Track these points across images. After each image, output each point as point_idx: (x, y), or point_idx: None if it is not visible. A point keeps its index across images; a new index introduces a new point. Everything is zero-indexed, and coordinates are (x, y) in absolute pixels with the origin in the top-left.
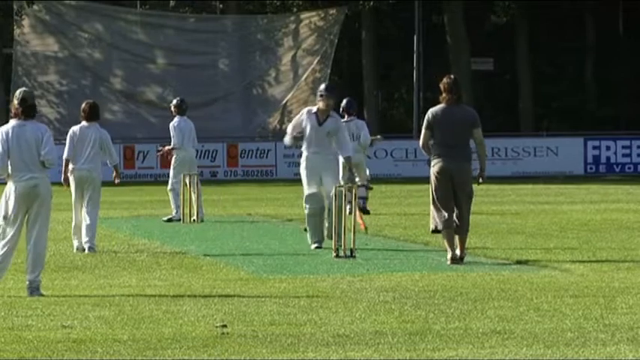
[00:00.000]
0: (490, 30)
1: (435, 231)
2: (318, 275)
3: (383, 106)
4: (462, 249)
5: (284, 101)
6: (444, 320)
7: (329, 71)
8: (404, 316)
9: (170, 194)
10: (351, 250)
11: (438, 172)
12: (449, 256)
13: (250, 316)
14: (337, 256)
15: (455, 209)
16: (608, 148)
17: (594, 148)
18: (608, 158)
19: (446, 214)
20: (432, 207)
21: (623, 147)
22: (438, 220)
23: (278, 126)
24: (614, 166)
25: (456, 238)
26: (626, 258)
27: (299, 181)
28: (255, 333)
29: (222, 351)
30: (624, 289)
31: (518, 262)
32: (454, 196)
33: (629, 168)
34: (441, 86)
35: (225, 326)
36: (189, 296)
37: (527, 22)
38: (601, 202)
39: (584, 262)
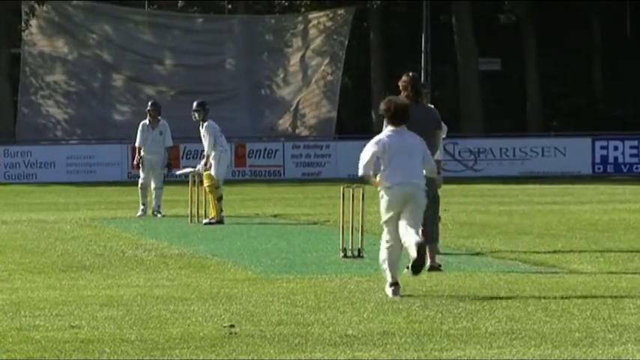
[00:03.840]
0: (498, 30)
1: None
2: (325, 275)
3: None
4: (432, 258)
5: (295, 103)
6: (451, 320)
7: (341, 73)
8: (412, 316)
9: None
10: (359, 250)
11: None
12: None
13: (258, 316)
14: (345, 256)
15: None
16: (616, 148)
17: (602, 148)
18: (615, 158)
19: None
20: None
21: (631, 147)
22: None
23: (290, 129)
24: (622, 166)
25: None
26: (635, 258)
27: (307, 181)
28: (263, 333)
29: (230, 351)
30: (632, 289)
31: (526, 263)
32: None
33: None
34: (400, 84)
35: (232, 326)
36: (197, 296)
37: (534, 23)
38: (609, 202)
39: (592, 262)
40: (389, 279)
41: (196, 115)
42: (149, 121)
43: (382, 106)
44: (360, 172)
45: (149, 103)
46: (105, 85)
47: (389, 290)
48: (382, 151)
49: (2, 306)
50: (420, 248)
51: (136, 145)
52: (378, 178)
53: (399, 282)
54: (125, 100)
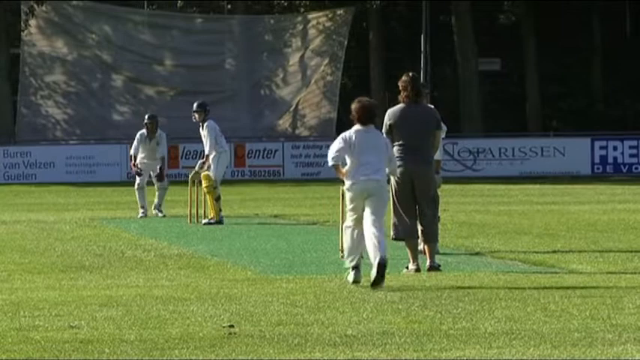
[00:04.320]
0: (497, 30)
1: (397, 239)
2: (325, 275)
3: (390, 106)
4: (432, 258)
5: (294, 104)
6: (451, 320)
7: (340, 74)
8: (411, 316)
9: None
10: None
11: (398, 177)
12: (411, 267)
13: (257, 317)
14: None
15: (418, 216)
16: (615, 148)
17: (601, 148)
18: (615, 158)
19: (408, 221)
20: (392, 213)
21: (630, 147)
22: (400, 227)
23: (290, 129)
24: (622, 167)
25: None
26: (634, 258)
27: (306, 181)
28: (263, 333)
29: (229, 351)
30: (631, 289)
31: (526, 263)
32: (417, 202)
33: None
34: (400, 84)
35: (232, 326)
36: (196, 296)
37: (534, 23)
38: (608, 202)
39: (591, 262)
40: (349, 263)
41: (196, 115)
42: (147, 132)
43: (352, 105)
44: (330, 163)
45: (146, 116)
46: (104, 85)
47: (350, 275)
48: (348, 147)
49: (2, 306)
50: (380, 268)
51: (131, 153)
52: (344, 170)
53: (360, 265)
54: (125, 101)
